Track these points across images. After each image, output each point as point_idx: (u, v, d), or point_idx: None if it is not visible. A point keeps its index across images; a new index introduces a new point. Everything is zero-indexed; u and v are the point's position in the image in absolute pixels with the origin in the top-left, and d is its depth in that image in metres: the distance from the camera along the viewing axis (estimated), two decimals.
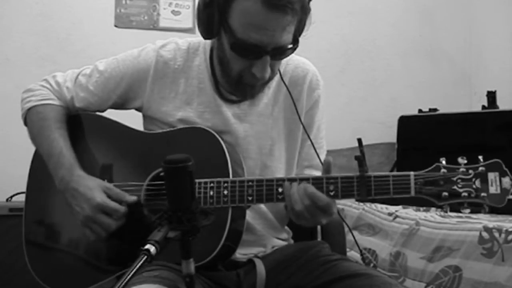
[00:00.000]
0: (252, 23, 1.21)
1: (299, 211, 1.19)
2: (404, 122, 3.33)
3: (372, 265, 2.50)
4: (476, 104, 3.47)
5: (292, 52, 1.30)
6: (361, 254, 2.43)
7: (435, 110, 3.30)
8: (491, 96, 3.09)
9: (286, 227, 1.53)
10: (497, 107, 3.06)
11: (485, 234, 2.00)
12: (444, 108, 3.33)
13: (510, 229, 1.94)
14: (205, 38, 1.34)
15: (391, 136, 3.42)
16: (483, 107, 3.12)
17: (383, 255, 2.47)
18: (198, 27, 1.32)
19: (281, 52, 1.27)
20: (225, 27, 1.25)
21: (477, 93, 3.57)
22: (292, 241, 1.53)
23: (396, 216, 2.51)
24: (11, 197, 2.58)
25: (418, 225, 2.32)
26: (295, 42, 1.28)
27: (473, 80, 3.75)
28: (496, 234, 1.97)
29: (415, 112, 3.36)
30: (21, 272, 2.28)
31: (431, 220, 2.30)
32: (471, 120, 3.07)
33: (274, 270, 1.35)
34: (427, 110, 3.32)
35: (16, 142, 2.71)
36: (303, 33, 1.31)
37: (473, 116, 3.10)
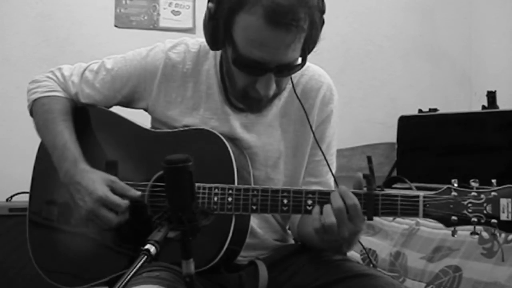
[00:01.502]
0: (254, 39, 1.16)
1: (328, 225, 1.15)
2: (404, 122, 3.33)
3: (372, 265, 2.50)
4: (476, 104, 3.46)
5: (300, 69, 1.25)
6: (366, 253, 2.43)
7: (435, 110, 3.29)
8: (491, 96, 3.09)
9: (288, 231, 1.52)
10: (497, 107, 3.06)
11: (485, 234, 2.00)
12: (444, 108, 3.32)
13: None
14: (211, 49, 1.31)
15: (391, 136, 3.42)
16: (483, 107, 3.12)
17: (383, 255, 2.47)
18: (205, 37, 1.28)
19: (286, 69, 1.22)
20: (228, 40, 1.22)
21: (477, 93, 3.57)
22: (293, 242, 1.52)
23: None
24: (11, 197, 2.58)
25: (418, 225, 2.32)
26: (303, 58, 1.23)
27: (473, 80, 3.75)
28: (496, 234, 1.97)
29: (415, 112, 3.36)
30: (21, 272, 2.29)
31: (431, 220, 2.30)
32: (471, 120, 3.06)
33: (275, 271, 1.35)
34: (427, 110, 3.32)
35: (16, 142, 2.72)
36: (315, 48, 1.26)
37: (473, 116, 3.09)
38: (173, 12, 3.24)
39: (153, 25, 3.21)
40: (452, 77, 3.76)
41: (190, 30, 3.22)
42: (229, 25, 1.20)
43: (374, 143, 3.47)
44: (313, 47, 1.26)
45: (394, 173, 3.36)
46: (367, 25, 3.61)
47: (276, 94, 1.29)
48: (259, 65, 1.19)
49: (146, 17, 3.20)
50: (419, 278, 2.21)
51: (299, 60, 1.24)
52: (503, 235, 1.95)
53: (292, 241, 1.52)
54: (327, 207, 1.16)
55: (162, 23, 3.22)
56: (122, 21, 3.17)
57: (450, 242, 2.13)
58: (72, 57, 2.99)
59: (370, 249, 2.56)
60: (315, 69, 1.44)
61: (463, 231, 2.08)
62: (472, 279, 1.99)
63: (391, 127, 3.40)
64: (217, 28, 1.22)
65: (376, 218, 2.58)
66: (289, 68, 1.23)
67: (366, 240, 2.61)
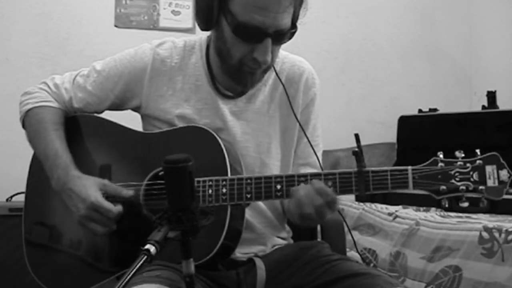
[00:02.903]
0: (255, 4, 1.22)
1: (306, 214, 1.19)
2: (404, 122, 3.33)
3: (372, 265, 2.50)
4: (476, 104, 3.47)
5: (291, 37, 1.31)
6: (360, 255, 2.43)
7: (435, 110, 3.30)
8: (491, 96, 3.09)
9: (286, 226, 1.53)
10: (497, 107, 3.06)
11: (485, 234, 2.00)
12: (444, 108, 3.32)
13: (510, 229, 1.94)
14: (203, 28, 1.34)
15: (391, 136, 3.42)
16: (483, 107, 3.12)
17: (383, 255, 2.47)
18: (197, 18, 1.33)
19: (281, 35, 1.28)
20: (225, 12, 1.27)
21: (477, 93, 3.58)
22: (291, 241, 1.53)
23: (396, 216, 2.51)
24: (11, 197, 2.58)
25: (418, 225, 2.32)
26: (294, 26, 1.30)
27: (473, 80, 3.75)
28: (496, 234, 1.97)
29: (415, 112, 3.36)
30: (21, 272, 2.28)
31: (431, 220, 2.30)
32: (471, 120, 3.07)
33: (274, 270, 1.35)
34: (427, 110, 3.32)
35: (16, 142, 2.71)
36: (300, 19, 1.32)
37: (473, 116, 3.09)
38: (173, 12, 3.24)
39: (153, 25, 3.21)
40: (452, 77, 3.76)
41: (190, 30, 3.22)
42: None
43: (374, 143, 3.47)
44: (297, 20, 1.32)
45: None
46: (367, 25, 3.61)
47: (269, 67, 1.35)
48: (259, 31, 1.25)
49: (146, 17, 3.20)
50: (419, 278, 2.21)
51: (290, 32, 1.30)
52: (503, 235, 1.95)
53: (291, 240, 1.52)
54: (303, 198, 1.19)
55: (162, 23, 3.22)
56: (122, 21, 3.17)
57: (450, 242, 2.13)
58: (72, 57, 3.03)
59: (370, 249, 2.56)
60: (294, 56, 1.51)
61: (463, 231, 2.09)
62: (472, 279, 1.99)
63: (391, 127, 3.40)
64: (212, 4, 1.28)
65: (376, 219, 2.62)
66: (284, 34, 1.29)
67: (366, 240, 2.61)
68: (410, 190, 1.18)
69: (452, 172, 1.17)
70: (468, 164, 1.17)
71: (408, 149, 3.29)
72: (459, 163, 1.17)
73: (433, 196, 1.17)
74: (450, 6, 3.76)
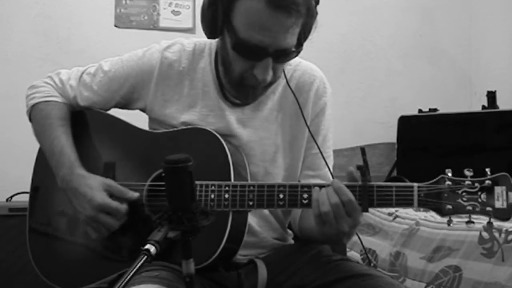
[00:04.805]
0: (255, 23, 1.19)
1: (324, 213, 1.16)
2: (404, 122, 3.33)
3: (372, 265, 2.50)
4: (476, 104, 3.47)
5: (296, 56, 1.28)
6: (365, 253, 2.43)
7: (435, 110, 3.30)
8: (491, 96, 3.09)
9: (288, 230, 1.52)
10: (497, 107, 3.06)
11: (485, 234, 2.00)
12: (444, 108, 3.32)
13: (510, 229, 1.94)
14: (208, 37, 1.32)
15: (391, 136, 3.42)
16: (483, 107, 3.12)
17: (383, 255, 2.47)
18: (202, 25, 1.31)
19: (283, 55, 1.25)
20: (228, 26, 1.24)
21: (477, 93, 3.57)
22: (292, 242, 1.52)
23: (396, 216, 2.51)
24: (11, 197, 2.58)
25: (418, 225, 2.32)
26: (299, 45, 1.26)
27: (473, 80, 3.75)
28: (496, 234, 1.97)
29: (415, 112, 3.36)
30: (21, 272, 2.28)
31: (431, 220, 2.30)
32: (471, 120, 3.07)
33: (275, 270, 1.35)
34: (427, 110, 3.32)
35: (16, 142, 2.72)
36: (309, 37, 1.29)
37: (473, 116, 3.10)
38: (173, 12, 3.24)
39: (153, 25, 3.21)
40: (452, 77, 3.76)
41: (190, 30, 3.22)
42: (229, 10, 1.22)
43: (374, 143, 3.47)
44: (308, 35, 1.29)
45: (394, 173, 3.36)
46: (367, 25, 3.61)
47: (271, 83, 1.31)
48: (258, 49, 1.21)
49: (146, 17, 3.20)
50: (419, 278, 2.21)
51: (294, 52, 1.27)
52: (503, 235, 1.95)
53: (291, 241, 1.52)
54: (322, 196, 1.17)
55: (162, 23, 3.22)
56: (122, 21, 3.17)
57: (450, 242, 2.13)
58: (72, 57, 3.03)
59: (370, 249, 2.56)
60: (307, 64, 1.47)
61: (463, 231, 2.09)
62: (472, 279, 1.99)
63: (391, 127, 3.40)
64: (216, 15, 1.24)
65: (376, 219, 2.62)
66: (287, 54, 1.25)
67: (366, 240, 2.61)
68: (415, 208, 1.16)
69: (459, 192, 1.12)
70: (476, 184, 1.12)
71: (408, 149, 3.29)
72: (467, 182, 1.12)
73: (438, 214, 1.14)
74: (450, 6, 3.76)
